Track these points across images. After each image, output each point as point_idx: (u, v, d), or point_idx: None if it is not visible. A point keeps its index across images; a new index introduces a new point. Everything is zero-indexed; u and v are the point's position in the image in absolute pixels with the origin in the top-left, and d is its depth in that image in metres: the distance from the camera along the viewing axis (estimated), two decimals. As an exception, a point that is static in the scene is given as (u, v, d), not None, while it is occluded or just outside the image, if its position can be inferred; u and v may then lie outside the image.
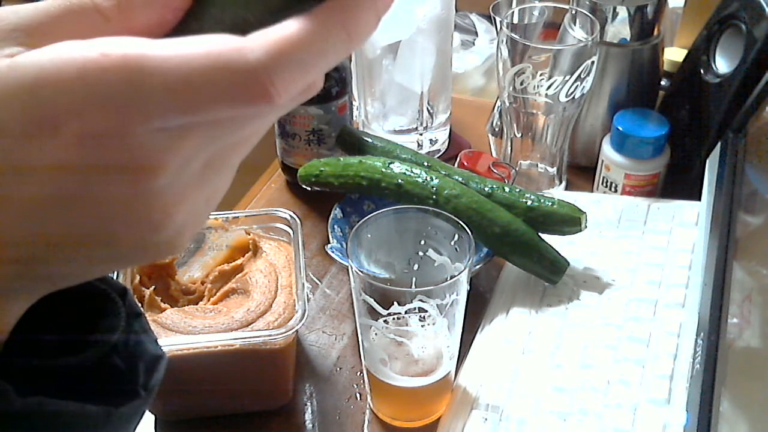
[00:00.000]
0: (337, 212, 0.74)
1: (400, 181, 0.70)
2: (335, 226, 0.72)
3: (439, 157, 0.89)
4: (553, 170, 0.84)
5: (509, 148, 0.83)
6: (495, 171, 0.78)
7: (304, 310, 0.58)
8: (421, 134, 0.88)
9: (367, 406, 0.64)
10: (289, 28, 0.24)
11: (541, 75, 0.74)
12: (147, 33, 0.25)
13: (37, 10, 0.25)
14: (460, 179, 0.71)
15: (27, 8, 0.25)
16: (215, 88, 0.23)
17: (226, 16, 0.25)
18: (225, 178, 0.28)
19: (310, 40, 0.24)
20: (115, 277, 0.60)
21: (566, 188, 0.85)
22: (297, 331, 0.60)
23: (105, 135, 0.23)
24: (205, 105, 0.23)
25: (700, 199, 0.72)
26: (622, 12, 0.78)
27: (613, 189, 0.80)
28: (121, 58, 0.22)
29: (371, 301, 0.55)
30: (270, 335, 0.57)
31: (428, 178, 0.69)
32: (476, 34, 1.15)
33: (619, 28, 0.79)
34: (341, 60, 0.25)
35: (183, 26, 0.26)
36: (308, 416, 0.64)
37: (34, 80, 0.23)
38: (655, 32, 0.80)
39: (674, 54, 0.93)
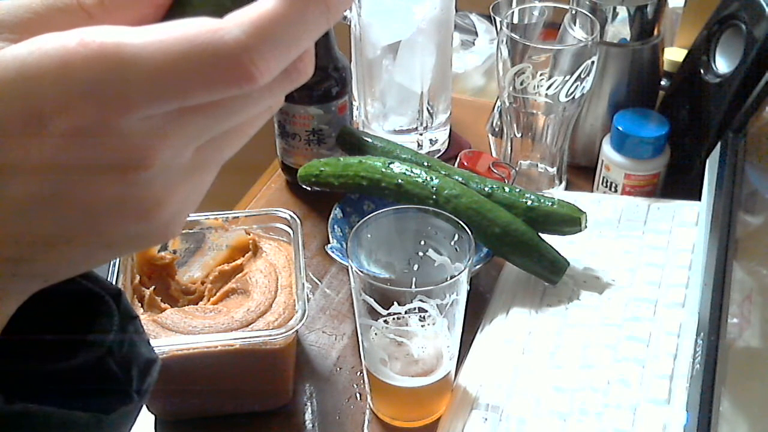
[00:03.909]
0: (337, 212, 0.74)
1: (400, 181, 0.70)
2: (335, 226, 0.72)
3: (439, 157, 0.89)
4: (553, 170, 0.84)
5: (509, 148, 0.83)
6: (495, 171, 0.78)
7: (304, 310, 0.58)
8: (421, 134, 0.88)
9: (367, 406, 0.64)
10: (265, 5, 0.23)
11: (541, 75, 0.74)
12: None
13: (20, 5, 0.25)
14: (460, 179, 0.71)
15: (10, 4, 0.25)
16: (196, 72, 0.23)
17: (208, 7, 0.25)
18: (215, 169, 0.28)
19: (288, 15, 0.23)
20: (114, 279, 0.60)
21: (566, 188, 0.85)
22: (297, 331, 0.60)
23: (91, 129, 0.23)
24: (187, 90, 0.23)
25: (700, 199, 0.72)
26: (622, 12, 0.78)
27: (613, 189, 0.80)
28: (99, 46, 0.22)
29: (371, 301, 0.55)
30: (270, 335, 0.57)
31: (428, 178, 0.69)
32: (476, 34, 1.15)
33: (619, 28, 0.79)
34: (321, 34, 0.25)
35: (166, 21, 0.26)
36: (308, 416, 0.64)
37: (16, 75, 0.22)
38: (655, 32, 0.80)
39: (674, 54, 0.93)
